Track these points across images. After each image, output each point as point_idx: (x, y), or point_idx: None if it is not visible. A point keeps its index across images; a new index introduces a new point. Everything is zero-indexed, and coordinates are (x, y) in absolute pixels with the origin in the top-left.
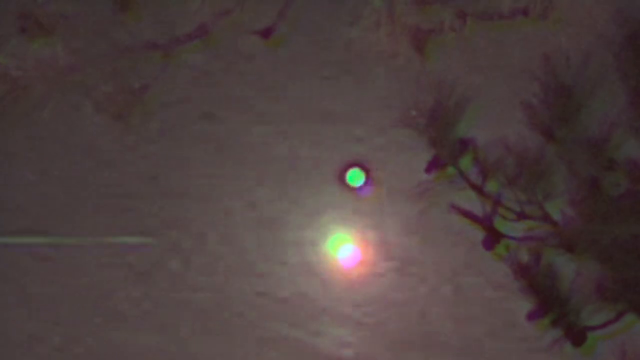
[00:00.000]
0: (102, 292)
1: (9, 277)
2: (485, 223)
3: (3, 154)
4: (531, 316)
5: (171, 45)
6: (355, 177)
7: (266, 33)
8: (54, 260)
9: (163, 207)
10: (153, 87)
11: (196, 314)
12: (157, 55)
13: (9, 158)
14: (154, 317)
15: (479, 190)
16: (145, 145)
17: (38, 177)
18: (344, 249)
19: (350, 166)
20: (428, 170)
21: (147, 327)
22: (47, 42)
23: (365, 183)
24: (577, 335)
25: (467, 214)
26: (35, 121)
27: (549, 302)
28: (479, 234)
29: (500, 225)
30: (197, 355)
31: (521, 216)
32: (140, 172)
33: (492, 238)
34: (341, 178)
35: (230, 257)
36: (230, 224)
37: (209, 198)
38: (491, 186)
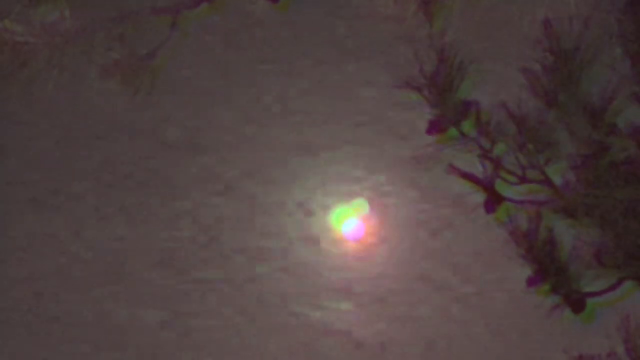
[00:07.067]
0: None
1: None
2: (486, 185)
3: (8, 120)
4: (530, 282)
5: (179, 10)
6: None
7: None
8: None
9: (172, 173)
10: (160, 53)
11: (195, 289)
12: (165, 20)
13: (14, 125)
14: (154, 290)
15: (481, 152)
16: (152, 111)
17: (44, 144)
18: (348, 222)
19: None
20: (429, 131)
21: (147, 302)
22: (53, 7)
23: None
24: (576, 302)
25: (466, 176)
26: (41, 87)
27: (548, 268)
28: (479, 197)
29: (501, 188)
30: (195, 329)
31: (523, 180)
32: (147, 138)
33: (494, 201)
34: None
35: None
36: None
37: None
38: (493, 149)
